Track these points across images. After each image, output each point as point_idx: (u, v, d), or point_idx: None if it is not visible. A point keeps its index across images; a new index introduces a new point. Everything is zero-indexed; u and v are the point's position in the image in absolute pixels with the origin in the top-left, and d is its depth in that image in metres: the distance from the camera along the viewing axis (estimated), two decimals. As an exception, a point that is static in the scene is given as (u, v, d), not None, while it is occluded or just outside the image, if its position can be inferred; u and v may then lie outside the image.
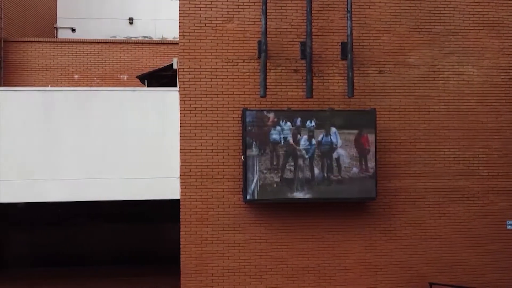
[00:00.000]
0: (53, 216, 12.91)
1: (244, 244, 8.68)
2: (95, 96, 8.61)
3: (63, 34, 16.91)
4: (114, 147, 8.55)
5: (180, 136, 8.64)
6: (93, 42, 13.00)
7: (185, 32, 8.72)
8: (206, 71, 8.72)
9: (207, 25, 8.76)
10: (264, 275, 8.71)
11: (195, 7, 8.75)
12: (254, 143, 8.34)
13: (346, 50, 8.83)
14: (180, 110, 8.65)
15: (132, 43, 13.17)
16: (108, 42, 13.10)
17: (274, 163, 8.37)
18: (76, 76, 12.83)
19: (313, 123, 8.40)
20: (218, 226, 8.66)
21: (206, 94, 8.71)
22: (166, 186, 8.64)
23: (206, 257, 8.62)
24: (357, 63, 8.92)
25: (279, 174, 8.38)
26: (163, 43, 13.29)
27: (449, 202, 9.14)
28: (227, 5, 8.81)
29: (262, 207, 8.69)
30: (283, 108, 8.62)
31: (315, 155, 8.45)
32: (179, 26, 8.75)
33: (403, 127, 9.07)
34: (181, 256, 8.61)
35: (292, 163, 8.39)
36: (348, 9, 8.66)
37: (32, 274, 12.20)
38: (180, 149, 8.63)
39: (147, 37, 17.48)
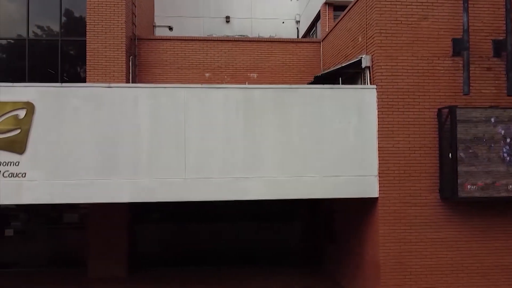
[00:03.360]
0: (181, 214, 12.88)
1: (441, 242, 8.64)
2: (294, 93, 8.55)
3: (160, 32, 16.86)
4: (312, 144, 8.48)
5: (378, 134, 8.59)
6: (223, 40, 12.93)
7: (382, 29, 8.67)
8: (402, 68, 8.68)
9: (403, 22, 8.72)
10: (460, 274, 8.67)
11: (391, 4, 8.70)
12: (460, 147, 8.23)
13: (539, 48, 8.80)
14: (378, 108, 8.61)
15: (261, 41, 13.10)
16: (238, 41, 13.03)
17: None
18: (207, 75, 12.76)
19: None
20: (415, 225, 8.62)
21: (403, 92, 8.66)
22: (364, 184, 8.58)
23: (404, 255, 8.57)
24: (547, 61, 8.87)
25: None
26: (292, 42, 13.21)
27: None
28: (422, 2, 8.76)
29: (459, 204, 8.64)
30: (486, 106, 8.56)
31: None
32: (376, 23, 8.70)
33: None
34: (380, 254, 8.56)
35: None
36: (546, 7, 8.62)
37: (168, 274, 12.13)
38: (378, 147, 8.58)
39: (243, 35, 17.42)
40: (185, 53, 12.79)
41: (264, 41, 13.17)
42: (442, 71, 8.75)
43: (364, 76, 9.23)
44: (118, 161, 8.12)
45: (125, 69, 11.95)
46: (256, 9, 17.66)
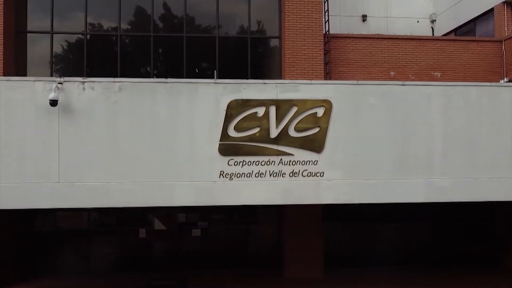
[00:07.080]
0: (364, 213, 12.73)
1: None
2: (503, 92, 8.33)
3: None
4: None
5: None
6: (407, 39, 12.82)
7: None
8: None
9: None
10: None
11: None
12: None
13: None
14: None
15: (444, 40, 13.01)
16: (421, 39, 12.91)
17: None
18: (392, 73, 12.62)
19: None
20: None
21: None
22: None
23: None
24: None
25: None
26: (474, 40, 13.10)
27: None
28: None
29: None
30: None
31: None
32: None
33: None
34: None
35: None
36: None
37: (363, 274, 11.98)
38: None
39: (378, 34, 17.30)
40: (370, 51, 12.66)
41: (446, 39, 13.08)
42: None
43: None
44: (412, 160, 7.96)
45: (322, 67, 11.83)
46: (392, 8, 17.54)
